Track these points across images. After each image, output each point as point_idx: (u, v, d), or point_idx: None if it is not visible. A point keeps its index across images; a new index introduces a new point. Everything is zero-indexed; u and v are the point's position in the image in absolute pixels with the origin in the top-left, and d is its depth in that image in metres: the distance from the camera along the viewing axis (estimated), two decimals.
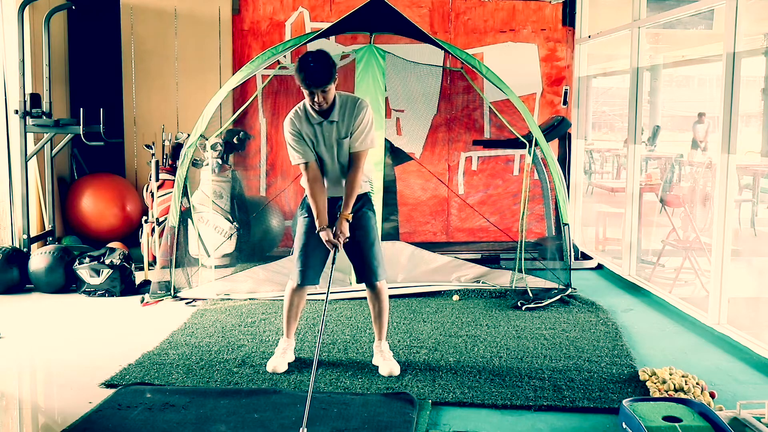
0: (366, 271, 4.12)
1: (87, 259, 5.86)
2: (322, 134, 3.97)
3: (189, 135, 5.87)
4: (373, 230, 4.14)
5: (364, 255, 4.10)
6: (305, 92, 3.84)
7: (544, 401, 3.74)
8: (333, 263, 4.07)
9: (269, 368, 4.14)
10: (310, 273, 4.08)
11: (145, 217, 6.32)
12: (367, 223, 4.12)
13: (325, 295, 3.93)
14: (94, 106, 6.55)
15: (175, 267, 5.70)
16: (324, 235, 3.94)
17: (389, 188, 6.56)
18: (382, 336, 4.24)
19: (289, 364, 4.20)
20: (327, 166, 4.04)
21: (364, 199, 4.15)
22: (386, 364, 4.15)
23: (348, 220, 3.96)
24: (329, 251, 4.02)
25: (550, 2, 7.47)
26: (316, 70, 3.75)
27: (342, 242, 3.95)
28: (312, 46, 7.14)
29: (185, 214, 5.88)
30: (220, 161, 6.51)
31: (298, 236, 4.13)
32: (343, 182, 4.03)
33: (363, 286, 4.22)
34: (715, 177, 5.10)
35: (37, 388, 4.33)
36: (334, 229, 3.95)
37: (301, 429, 3.24)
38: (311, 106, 3.90)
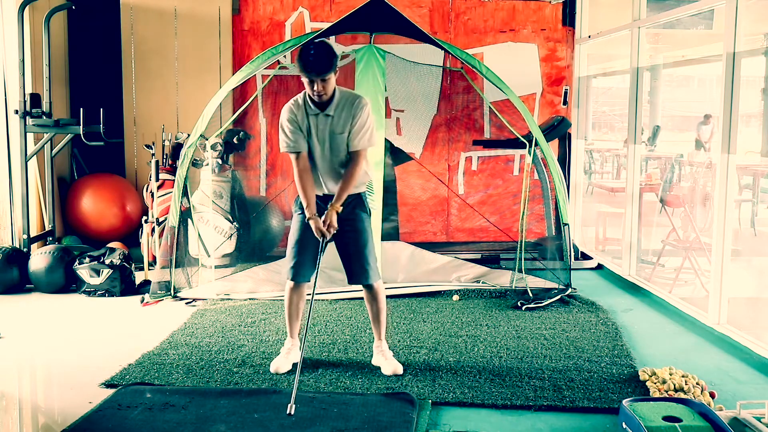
0: (358, 273, 4.11)
1: (87, 259, 5.86)
2: (316, 126, 3.99)
3: (189, 135, 5.87)
4: (365, 232, 4.11)
5: (356, 256, 4.09)
6: (305, 81, 3.86)
7: (544, 401, 3.74)
8: (321, 252, 4.00)
9: (272, 368, 4.14)
10: (301, 269, 4.08)
11: (145, 217, 6.32)
12: (359, 224, 4.10)
13: (311, 293, 3.95)
14: (94, 106, 6.55)
15: (175, 267, 5.70)
16: (313, 224, 3.93)
17: (389, 188, 6.55)
18: (381, 336, 4.24)
19: (293, 364, 4.18)
20: (318, 160, 4.03)
21: (357, 200, 4.11)
22: (389, 363, 4.15)
23: (337, 212, 3.95)
24: (320, 249, 4.00)
25: (550, 2, 7.47)
26: (317, 57, 3.78)
27: (330, 233, 3.94)
28: None
29: (185, 214, 5.88)
30: (220, 161, 6.50)
31: (292, 232, 4.13)
32: (338, 179, 4.03)
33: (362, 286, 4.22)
34: (715, 177, 5.10)
35: (37, 388, 4.33)
36: (323, 218, 3.94)
37: (289, 405, 3.35)
38: (311, 95, 3.92)
